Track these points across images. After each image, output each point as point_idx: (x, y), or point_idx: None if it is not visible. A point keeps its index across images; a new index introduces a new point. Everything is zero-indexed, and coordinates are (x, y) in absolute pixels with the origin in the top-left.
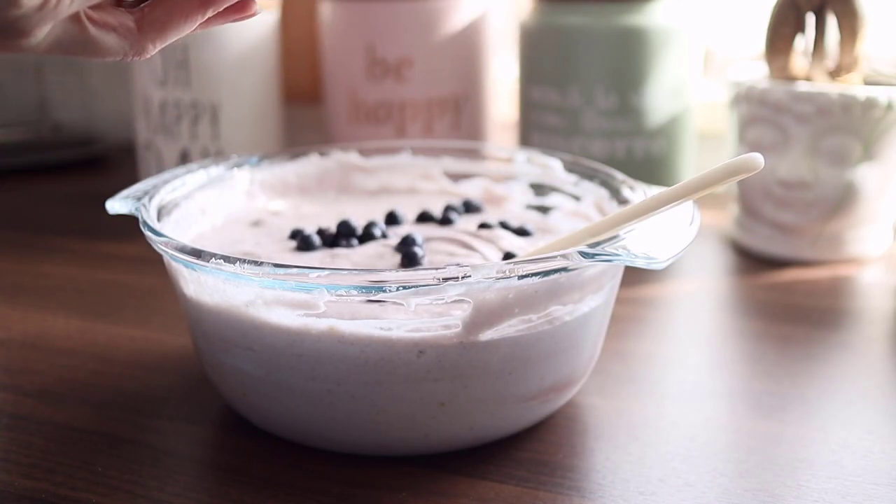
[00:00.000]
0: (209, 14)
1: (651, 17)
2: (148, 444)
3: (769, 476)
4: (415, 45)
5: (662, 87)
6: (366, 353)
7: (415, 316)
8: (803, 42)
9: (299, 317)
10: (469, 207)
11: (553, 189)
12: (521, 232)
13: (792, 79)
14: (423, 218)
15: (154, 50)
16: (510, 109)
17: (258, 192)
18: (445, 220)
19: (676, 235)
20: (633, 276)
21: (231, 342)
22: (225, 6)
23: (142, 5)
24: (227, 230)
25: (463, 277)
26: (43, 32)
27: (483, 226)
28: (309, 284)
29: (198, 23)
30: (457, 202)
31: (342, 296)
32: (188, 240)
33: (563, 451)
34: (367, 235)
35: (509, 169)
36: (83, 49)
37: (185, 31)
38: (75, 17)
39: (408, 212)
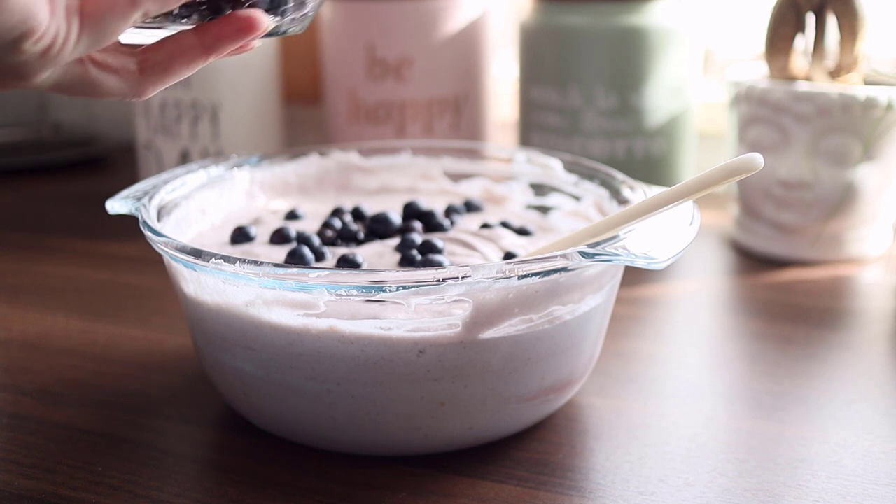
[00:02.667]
0: (211, 60)
1: (651, 17)
2: (148, 444)
3: (769, 476)
4: (415, 45)
5: (662, 87)
6: (366, 353)
7: (415, 315)
8: (803, 42)
9: (299, 316)
10: (470, 207)
11: (553, 189)
12: (522, 232)
13: (792, 79)
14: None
15: (154, 92)
16: (510, 109)
17: (258, 192)
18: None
19: (676, 235)
20: (633, 276)
21: (231, 342)
22: (226, 53)
23: (143, 48)
24: (227, 230)
25: (463, 277)
26: (45, 75)
27: (485, 226)
28: (309, 284)
29: (199, 67)
30: (457, 202)
31: (342, 296)
32: (188, 240)
33: (563, 451)
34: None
35: (509, 169)
36: (84, 89)
37: (185, 74)
38: (78, 59)
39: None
